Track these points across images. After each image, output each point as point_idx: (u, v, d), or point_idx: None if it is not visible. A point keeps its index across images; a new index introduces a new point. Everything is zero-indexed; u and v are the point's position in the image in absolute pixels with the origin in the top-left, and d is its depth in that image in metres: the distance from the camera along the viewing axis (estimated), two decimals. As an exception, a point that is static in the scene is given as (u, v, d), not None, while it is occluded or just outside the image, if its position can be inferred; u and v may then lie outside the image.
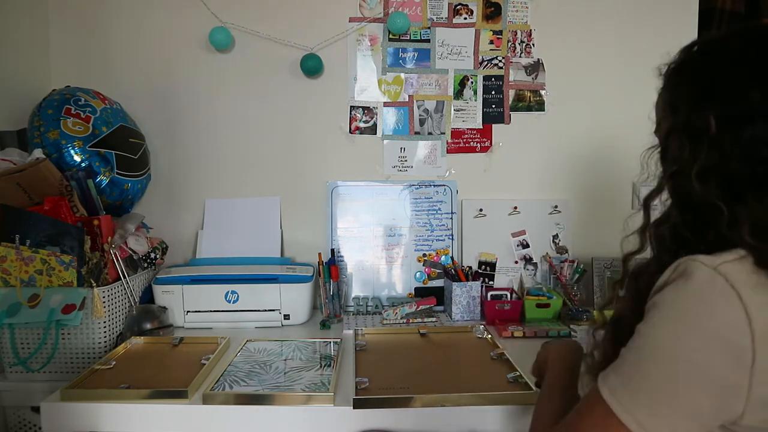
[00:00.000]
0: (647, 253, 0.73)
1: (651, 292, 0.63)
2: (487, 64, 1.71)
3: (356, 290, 1.69)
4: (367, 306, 1.61)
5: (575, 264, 1.63)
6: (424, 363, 1.19)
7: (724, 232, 0.60)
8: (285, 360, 1.19)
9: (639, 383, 0.59)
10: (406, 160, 1.73)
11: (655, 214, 0.72)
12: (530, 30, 1.70)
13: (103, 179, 1.42)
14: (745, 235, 0.58)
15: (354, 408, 0.98)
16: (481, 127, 1.73)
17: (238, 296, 1.46)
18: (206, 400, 1.00)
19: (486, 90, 1.72)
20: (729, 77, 0.63)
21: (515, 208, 1.72)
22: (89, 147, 1.39)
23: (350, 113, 1.71)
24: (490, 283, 1.69)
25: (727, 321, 0.55)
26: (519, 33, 1.70)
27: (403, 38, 1.69)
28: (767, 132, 0.60)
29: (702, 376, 0.55)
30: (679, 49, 0.71)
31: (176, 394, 1.00)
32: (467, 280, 1.56)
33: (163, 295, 1.46)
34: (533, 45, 1.71)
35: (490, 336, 1.31)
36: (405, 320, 1.48)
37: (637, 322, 0.63)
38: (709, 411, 0.56)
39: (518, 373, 1.07)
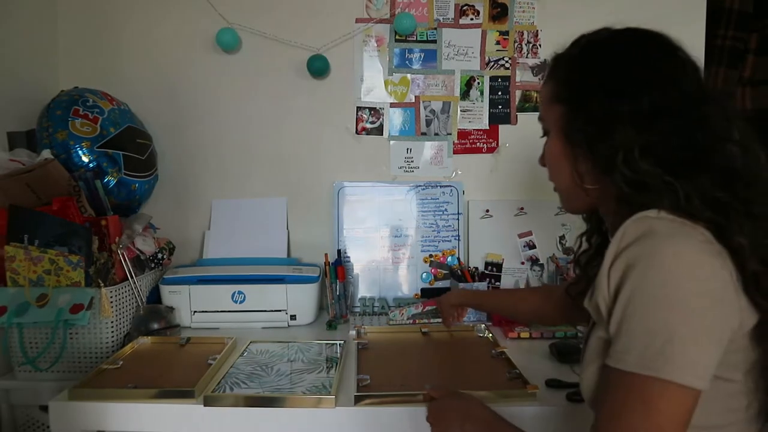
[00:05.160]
0: None
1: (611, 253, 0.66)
2: (493, 65, 1.70)
3: (362, 291, 1.69)
4: (373, 307, 1.60)
5: (582, 265, 1.62)
6: (425, 361, 1.20)
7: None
8: (288, 362, 1.19)
9: (663, 343, 0.58)
10: (412, 161, 1.73)
11: None
12: (537, 30, 1.70)
13: (111, 180, 1.43)
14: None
15: (355, 404, 0.98)
16: (488, 127, 1.72)
17: (244, 296, 1.47)
18: (207, 402, 1.00)
19: (492, 91, 1.71)
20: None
21: (521, 208, 1.71)
22: (97, 148, 1.40)
23: (357, 114, 1.71)
24: (497, 283, 1.68)
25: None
26: (525, 33, 1.70)
27: (410, 39, 1.69)
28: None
29: (716, 308, 0.60)
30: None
31: (183, 393, 1.01)
32: (474, 281, 1.55)
33: (170, 295, 1.46)
34: (540, 46, 1.70)
35: (491, 335, 1.32)
36: (411, 321, 1.48)
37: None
38: (724, 334, 0.61)
39: (518, 371, 1.08)
